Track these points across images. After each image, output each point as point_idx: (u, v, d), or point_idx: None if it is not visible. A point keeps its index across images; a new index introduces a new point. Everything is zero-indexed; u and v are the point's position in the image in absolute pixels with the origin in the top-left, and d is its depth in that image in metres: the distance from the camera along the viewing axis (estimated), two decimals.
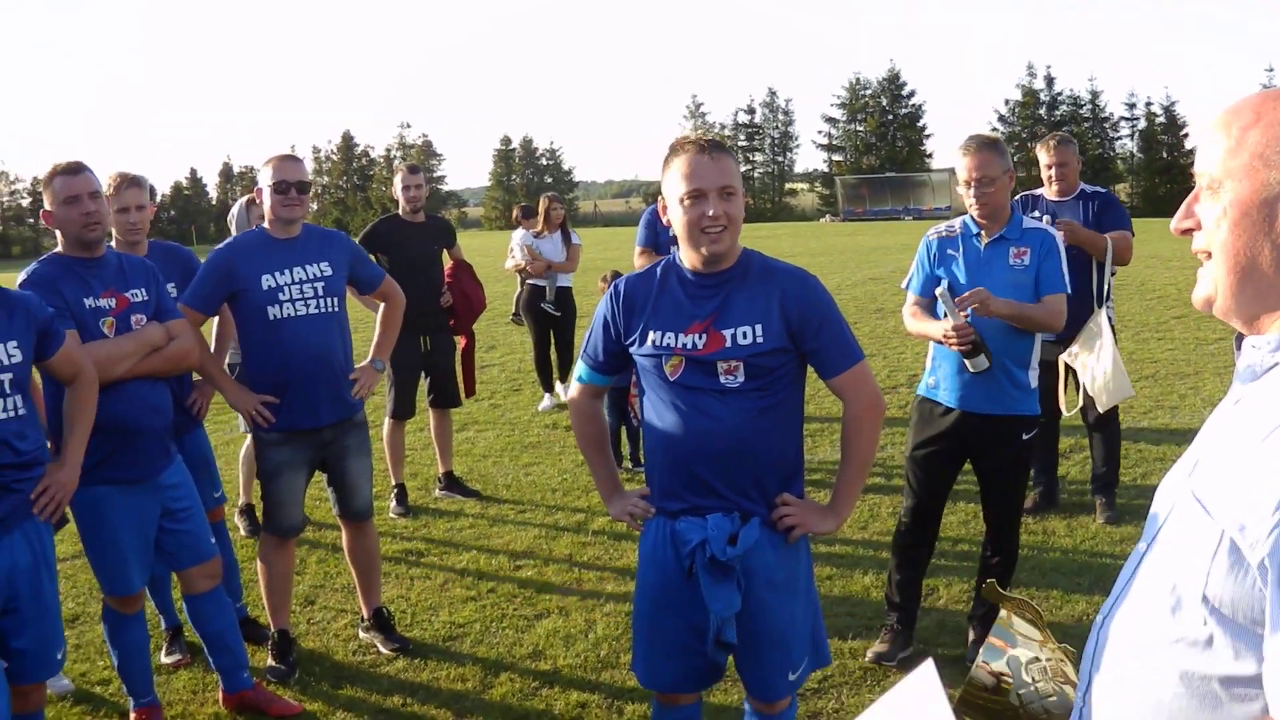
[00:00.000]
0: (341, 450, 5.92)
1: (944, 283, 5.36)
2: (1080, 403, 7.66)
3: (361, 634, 6.33)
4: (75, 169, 4.95)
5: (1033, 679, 2.32)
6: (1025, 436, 5.64)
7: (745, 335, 3.67)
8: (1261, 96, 1.75)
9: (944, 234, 5.68)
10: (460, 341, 9.52)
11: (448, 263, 9.26)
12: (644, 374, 3.86)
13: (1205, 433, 1.86)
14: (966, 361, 5.35)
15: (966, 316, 5.27)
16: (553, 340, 12.67)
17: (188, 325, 5.34)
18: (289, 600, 6.16)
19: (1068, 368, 7.56)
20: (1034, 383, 5.64)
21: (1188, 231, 1.83)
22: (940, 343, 5.47)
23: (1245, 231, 1.72)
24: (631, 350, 3.86)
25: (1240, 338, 1.89)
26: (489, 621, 6.51)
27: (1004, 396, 5.51)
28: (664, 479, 3.84)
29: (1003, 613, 2.42)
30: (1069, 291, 5.59)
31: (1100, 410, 7.54)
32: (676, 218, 3.68)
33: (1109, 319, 7.46)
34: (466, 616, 6.59)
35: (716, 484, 3.73)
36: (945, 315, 5.29)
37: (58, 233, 5.00)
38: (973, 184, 5.45)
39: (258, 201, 5.94)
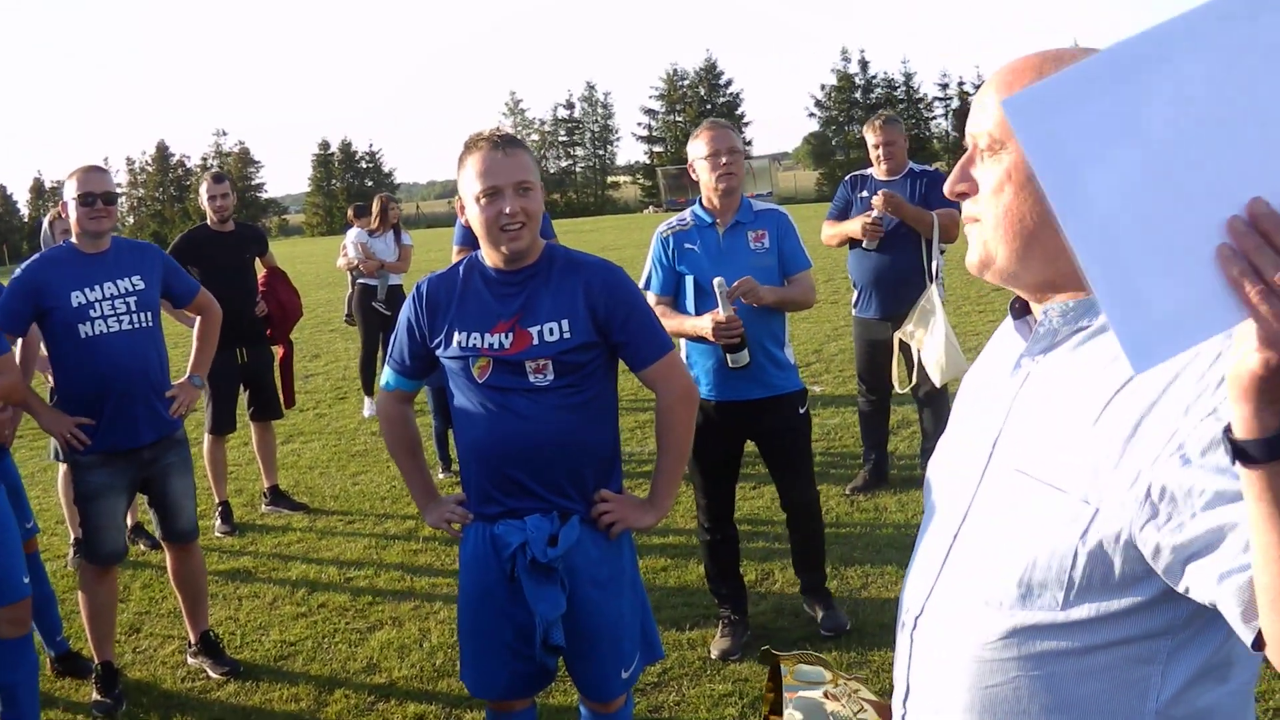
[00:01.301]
0: (163, 469, 5.71)
1: (717, 277, 5.24)
2: (914, 380, 7.74)
3: (190, 660, 6.11)
4: None
5: (833, 714, 2.30)
6: (801, 411, 5.68)
7: (552, 331, 3.61)
8: (1040, 57, 1.71)
9: (677, 228, 5.64)
10: (278, 351, 9.31)
11: (261, 271, 9.05)
12: (452, 377, 3.77)
13: (989, 407, 1.83)
14: (729, 356, 5.30)
15: (734, 309, 5.24)
16: (382, 341, 12.46)
17: (11, 359, 5.12)
18: (113, 631, 5.91)
19: (902, 344, 7.64)
20: (792, 359, 5.70)
21: (963, 195, 1.76)
22: (696, 339, 5.44)
23: (1030, 194, 1.66)
24: (438, 353, 3.77)
25: (1015, 308, 1.85)
26: (321, 637, 6.35)
27: (766, 377, 5.51)
28: (479, 483, 3.76)
29: (784, 669, 2.40)
30: (811, 265, 5.67)
31: (936, 385, 7.63)
32: (474, 216, 3.61)
33: (940, 296, 7.54)
34: (298, 634, 6.42)
35: (532, 485, 3.66)
36: (718, 309, 5.21)
37: None
38: (722, 154, 5.43)
39: (63, 215, 5.71)
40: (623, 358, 3.77)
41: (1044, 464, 1.66)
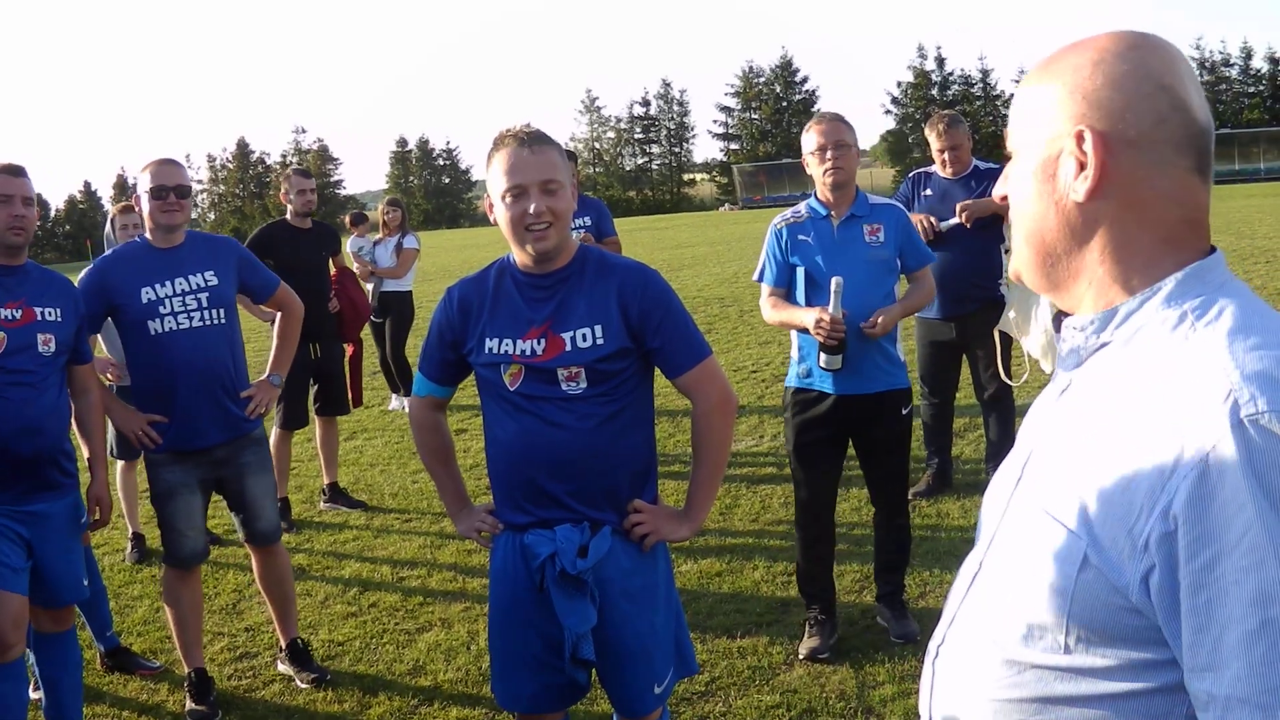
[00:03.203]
0: (239, 469, 5.58)
1: (836, 277, 5.23)
2: (1027, 372, 7.57)
3: (279, 666, 6.01)
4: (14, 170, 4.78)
5: None
6: (904, 411, 5.62)
7: (585, 338, 3.50)
8: (1051, 56, 1.62)
9: (792, 220, 5.59)
10: (348, 349, 9.36)
11: (333, 270, 9.10)
12: (483, 384, 3.67)
13: (1031, 428, 1.71)
14: (823, 355, 5.28)
15: (845, 314, 5.20)
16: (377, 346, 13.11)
17: (92, 369, 5.32)
18: (201, 636, 5.78)
19: (1003, 338, 7.47)
20: (902, 356, 5.64)
21: (1007, 199, 1.70)
22: (805, 331, 5.39)
23: (1032, 197, 1.60)
24: (469, 359, 3.67)
25: (1056, 321, 1.73)
26: (369, 638, 6.30)
27: (879, 373, 5.47)
28: (508, 493, 3.65)
29: None
30: (935, 259, 5.72)
31: (1046, 372, 7.50)
32: (500, 215, 3.50)
33: None
34: (346, 634, 6.38)
35: (563, 495, 3.55)
36: (829, 305, 5.21)
37: None
38: (829, 149, 5.38)
39: (137, 208, 5.64)
40: (657, 364, 3.64)
41: (1050, 492, 1.54)
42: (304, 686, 5.78)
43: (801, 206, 5.63)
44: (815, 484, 5.70)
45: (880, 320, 5.29)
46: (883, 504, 5.82)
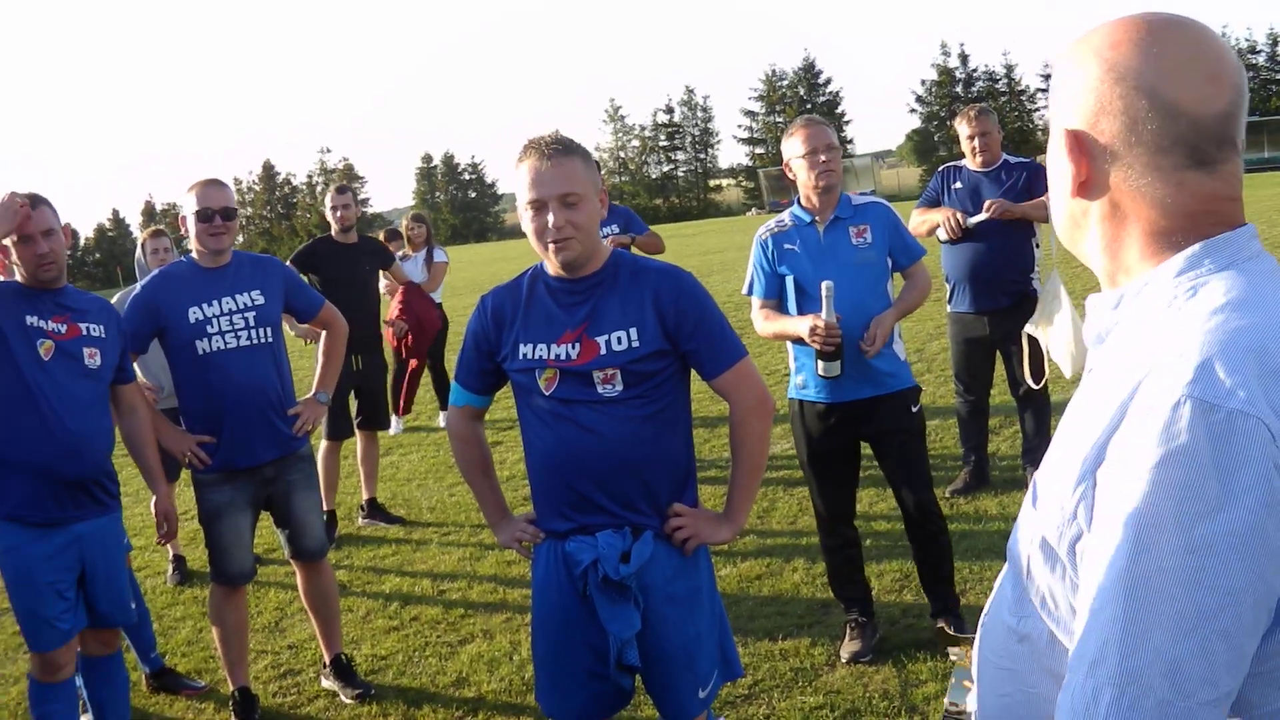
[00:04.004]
0: (285, 487, 5.61)
1: (826, 281, 5.14)
2: (1047, 373, 7.52)
3: (323, 682, 6.02)
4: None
5: None
6: (914, 410, 5.54)
7: (620, 341, 3.50)
8: (1070, 42, 1.61)
9: (776, 230, 5.52)
10: (411, 363, 9.51)
11: (387, 283, 9.19)
12: (519, 390, 3.68)
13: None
14: (821, 362, 5.20)
15: (838, 318, 5.13)
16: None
17: (138, 387, 5.32)
18: (246, 654, 5.82)
19: (1030, 339, 7.43)
20: (903, 355, 5.56)
21: None
22: (799, 341, 5.33)
23: (1054, 179, 1.64)
24: (504, 366, 3.68)
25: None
26: (411, 651, 6.32)
27: (877, 375, 5.38)
28: (548, 499, 3.66)
29: (958, 651, 2.27)
30: (925, 252, 5.62)
31: (1067, 376, 7.45)
32: (525, 226, 3.52)
33: (1062, 283, 7.34)
34: (389, 648, 6.40)
35: (603, 500, 3.55)
36: (822, 311, 5.12)
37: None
38: (820, 151, 5.31)
39: (183, 229, 5.65)
40: (693, 366, 3.64)
41: (1043, 470, 1.59)
42: (348, 702, 5.78)
43: (785, 215, 5.57)
44: (829, 495, 5.65)
45: (878, 334, 5.23)
46: (908, 510, 5.69)
